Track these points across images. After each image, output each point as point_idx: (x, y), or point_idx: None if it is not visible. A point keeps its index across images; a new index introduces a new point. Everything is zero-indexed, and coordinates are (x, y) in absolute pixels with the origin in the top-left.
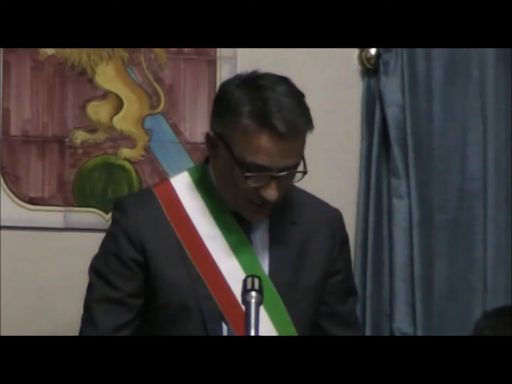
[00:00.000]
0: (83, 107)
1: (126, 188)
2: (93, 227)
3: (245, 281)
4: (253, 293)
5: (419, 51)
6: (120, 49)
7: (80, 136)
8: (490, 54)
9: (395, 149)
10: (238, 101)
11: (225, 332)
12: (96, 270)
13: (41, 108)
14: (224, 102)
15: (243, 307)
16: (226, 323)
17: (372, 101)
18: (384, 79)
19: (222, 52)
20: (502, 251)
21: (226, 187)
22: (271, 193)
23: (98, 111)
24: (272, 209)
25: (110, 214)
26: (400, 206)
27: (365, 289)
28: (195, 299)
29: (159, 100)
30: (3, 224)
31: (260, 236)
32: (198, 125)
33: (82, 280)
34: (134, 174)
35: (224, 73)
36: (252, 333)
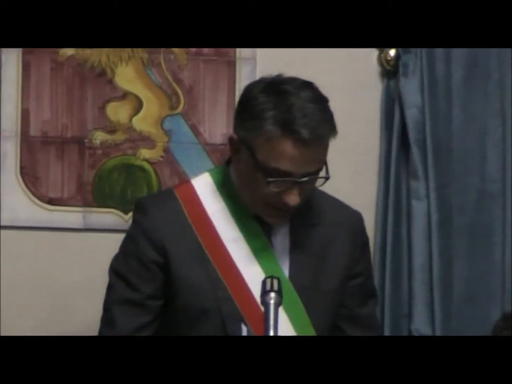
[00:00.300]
0: (102, 108)
1: (145, 188)
2: (112, 228)
3: (264, 282)
4: (272, 294)
5: (439, 53)
6: (140, 50)
7: (99, 136)
8: (509, 56)
9: (414, 151)
10: (262, 106)
11: (244, 334)
12: (116, 271)
13: (60, 109)
14: (248, 106)
15: (263, 309)
16: (246, 325)
17: (392, 103)
18: (403, 80)
19: (242, 53)
20: None
21: (248, 190)
22: (293, 199)
23: (118, 111)
24: (291, 214)
25: (129, 215)
26: (419, 208)
27: (384, 291)
28: (215, 301)
29: (178, 101)
30: (22, 224)
31: (281, 239)
32: (217, 126)
33: (101, 281)
34: (153, 174)
35: (243, 74)
36: (271, 334)
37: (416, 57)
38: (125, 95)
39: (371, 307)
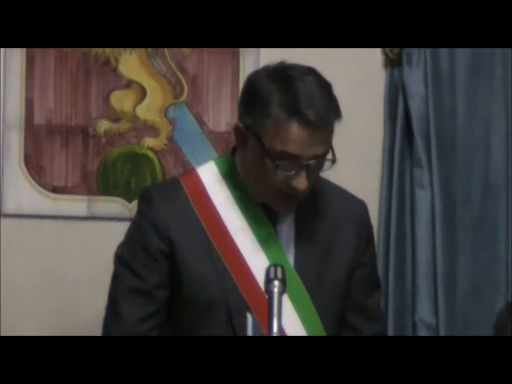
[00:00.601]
0: (106, 97)
1: (149, 177)
2: (116, 216)
3: (268, 271)
4: (276, 282)
5: (442, 49)
6: None
7: (103, 125)
8: None
9: (418, 141)
10: (267, 92)
11: (249, 322)
12: (122, 260)
13: (64, 98)
14: (253, 94)
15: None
16: (251, 315)
17: (395, 93)
18: (407, 70)
19: None
20: None
21: (255, 179)
22: (302, 182)
23: (122, 100)
24: (300, 201)
25: (133, 203)
26: (423, 197)
27: (387, 283)
28: (221, 292)
29: (182, 90)
30: (27, 213)
31: (287, 228)
32: (221, 115)
33: (105, 269)
34: (157, 163)
35: (247, 64)
36: (275, 322)
37: (419, 50)
38: (129, 84)
39: (376, 298)
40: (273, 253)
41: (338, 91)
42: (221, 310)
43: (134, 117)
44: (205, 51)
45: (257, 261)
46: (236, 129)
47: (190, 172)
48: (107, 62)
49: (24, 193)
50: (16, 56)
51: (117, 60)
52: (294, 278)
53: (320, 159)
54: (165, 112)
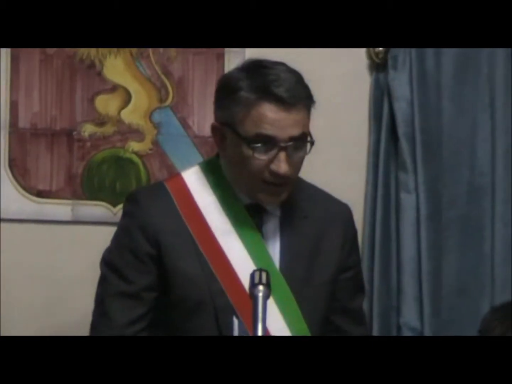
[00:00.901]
0: (91, 100)
1: (134, 181)
2: (101, 220)
3: (252, 275)
4: (260, 287)
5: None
6: None
7: (88, 129)
8: (499, 50)
9: (403, 144)
10: (237, 80)
11: (236, 327)
12: (109, 263)
13: (49, 101)
14: (224, 86)
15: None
16: (238, 318)
17: (381, 96)
18: (392, 73)
19: None
20: (510, 246)
21: (238, 173)
22: (282, 166)
23: (107, 104)
24: (287, 191)
25: (118, 207)
26: (408, 201)
27: (372, 284)
28: (208, 294)
29: (167, 94)
30: (11, 216)
31: (272, 230)
32: (206, 118)
33: (90, 273)
34: (142, 167)
35: (232, 67)
36: (259, 327)
37: (405, 50)
38: (114, 88)
39: (360, 301)
40: (259, 256)
41: (324, 94)
42: (208, 312)
43: (119, 121)
44: (190, 54)
45: (243, 264)
46: (213, 128)
47: (175, 176)
48: (92, 65)
49: (9, 197)
50: (1, 59)
51: (102, 64)
52: (280, 281)
53: (297, 142)
54: (150, 116)
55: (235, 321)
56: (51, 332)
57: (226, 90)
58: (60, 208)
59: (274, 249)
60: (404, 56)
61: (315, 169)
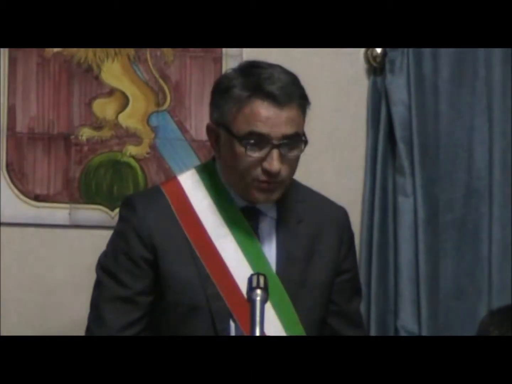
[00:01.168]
0: (89, 104)
1: (131, 185)
2: (98, 224)
3: (250, 279)
4: (258, 291)
5: (426, 50)
6: None
7: (86, 133)
8: (497, 53)
9: (401, 148)
10: (230, 79)
11: (233, 331)
12: (105, 268)
13: (47, 105)
14: (218, 87)
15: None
16: (234, 321)
17: (378, 100)
18: (390, 77)
19: (228, 50)
20: (507, 249)
21: (232, 172)
22: (274, 164)
23: (104, 108)
24: (280, 190)
25: (115, 211)
26: (405, 204)
27: (370, 287)
28: (204, 298)
29: (165, 98)
30: (8, 220)
31: (268, 233)
32: (203, 122)
33: (87, 277)
34: (139, 171)
35: None
36: (257, 331)
37: (402, 54)
38: (111, 92)
39: (357, 304)
40: (255, 259)
41: (321, 98)
42: (204, 316)
43: (117, 125)
44: (188, 58)
45: (239, 267)
46: (208, 128)
47: (171, 180)
48: (89, 69)
49: (6, 201)
50: None
51: (99, 68)
52: (276, 284)
53: (290, 141)
54: (147, 120)
55: (232, 325)
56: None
57: (220, 89)
58: (57, 212)
59: (270, 252)
60: (402, 60)
61: (313, 173)
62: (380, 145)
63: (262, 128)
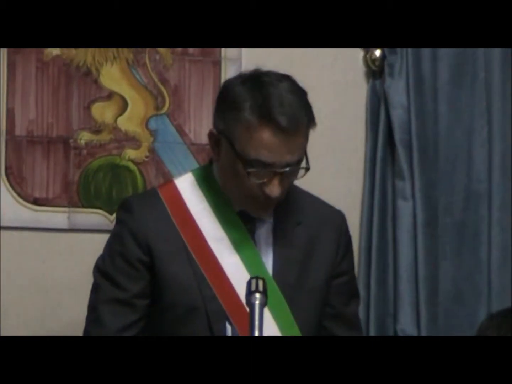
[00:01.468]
0: (88, 108)
1: (130, 189)
2: (97, 228)
3: (249, 283)
4: (257, 295)
5: (425, 53)
6: (125, 50)
7: (84, 136)
8: (496, 55)
9: (400, 151)
10: (240, 97)
11: (229, 333)
12: (102, 270)
13: (46, 109)
14: (226, 99)
15: (247, 308)
16: (231, 324)
17: (377, 103)
18: (389, 80)
19: (227, 54)
20: (507, 252)
21: (230, 184)
22: (274, 190)
23: (103, 111)
24: (276, 204)
25: (114, 215)
26: (404, 208)
27: (369, 291)
28: (201, 300)
29: (164, 101)
30: (7, 224)
31: (265, 236)
32: (203, 126)
33: (86, 281)
34: (138, 175)
35: (229, 75)
36: (256, 335)
37: (402, 58)
38: (110, 95)
39: (355, 307)
40: (251, 262)
41: (320, 102)
42: (201, 317)
43: (116, 129)
44: (187, 62)
45: (235, 270)
46: (210, 134)
47: (167, 183)
48: (88, 73)
49: (5, 204)
50: None
51: (98, 71)
52: (273, 288)
53: (292, 168)
54: (146, 123)
55: (228, 328)
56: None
57: (228, 104)
58: (56, 216)
59: (267, 255)
60: (401, 63)
61: (311, 176)
62: (379, 148)
63: (267, 158)
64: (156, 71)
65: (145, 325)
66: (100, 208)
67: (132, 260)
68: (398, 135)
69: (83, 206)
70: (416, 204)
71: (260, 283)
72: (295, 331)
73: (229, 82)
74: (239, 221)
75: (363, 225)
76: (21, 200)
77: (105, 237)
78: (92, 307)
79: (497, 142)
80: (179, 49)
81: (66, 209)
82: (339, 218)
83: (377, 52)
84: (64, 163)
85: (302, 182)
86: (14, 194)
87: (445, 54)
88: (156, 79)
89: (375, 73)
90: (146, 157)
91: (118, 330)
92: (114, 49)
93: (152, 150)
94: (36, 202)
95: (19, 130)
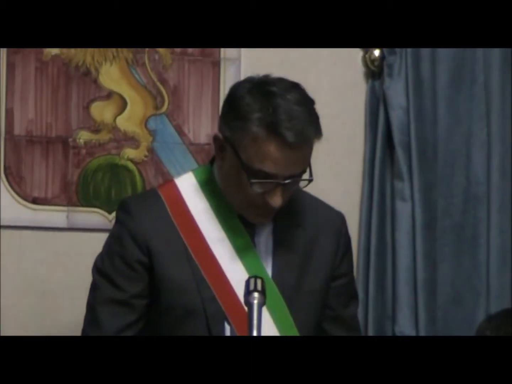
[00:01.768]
0: (87, 108)
1: (129, 188)
2: (96, 228)
3: (247, 282)
4: (256, 294)
5: (424, 54)
6: (124, 50)
7: (83, 136)
8: (495, 58)
9: (399, 152)
10: (248, 107)
11: (227, 333)
12: (101, 270)
13: (45, 108)
14: (234, 107)
15: (246, 309)
16: (229, 324)
17: (376, 104)
18: (388, 81)
19: (226, 54)
20: (506, 255)
21: (231, 190)
22: (276, 200)
23: (102, 111)
24: (276, 213)
25: (113, 215)
26: (403, 209)
27: (367, 292)
28: (200, 301)
29: (163, 101)
30: (6, 223)
31: (264, 238)
32: (201, 126)
33: (85, 280)
34: (137, 174)
35: (228, 75)
36: (255, 334)
37: (401, 58)
38: (109, 95)
39: (354, 308)
40: (250, 263)
41: (319, 102)
42: (199, 319)
43: (115, 128)
44: (186, 62)
45: (234, 271)
46: (216, 139)
47: (168, 182)
48: (87, 72)
49: (4, 204)
50: None
51: (97, 71)
52: (272, 288)
53: (295, 179)
54: (145, 123)
55: (227, 327)
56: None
57: (236, 113)
58: (55, 215)
59: (267, 257)
60: (400, 64)
61: None
62: (378, 150)
63: (272, 169)
64: (155, 71)
65: (143, 326)
66: (99, 208)
67: (131, 262)
68: (397, 137)
69: (82, 206)
70: (415, 206)
71: (259, 282)
72: (294, 333)
73: (236, 88)
74: (240, 223)
75: (361, 226)
76: (20, 200)
77: (104, 236)
78: (91, 307)
79: (496, 145)
80: (179, 49)
81: (65, 208)
82: (339, 219)
83: (376, 52)
84: (63, 162)
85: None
86: (13, 194)
87: (444, 56)
88: (155, 79)
89: (374, 73)
90: (145, 156)
91: (116, 331)
92: (114, 49)
93: (151, 150)
94: (35, 201)
95: (18, 130)
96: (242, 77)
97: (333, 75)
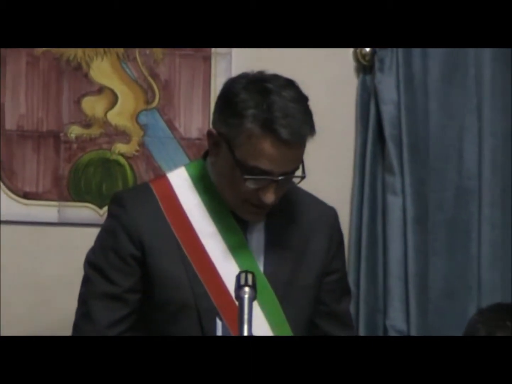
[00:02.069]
0: (78, 102)
1: (120, 183)
2: (87, 222)
3: (238, 277)
4: (246, 289)
5: (415, 49)
6: None
7: (75, 131)
8: (486, 52)
9: (390, 146)
10: (243, 104)
11: (219, 328)
12: (94, 264)
13: (36, 103)
14: (229, 103)
15: (237, 303)
16: (221, 320)
17: (367, 98)
18: (379, 76)
19: (218, 49)
20: (497, 249)
21: (225, 185)
22: (269, 197)
23: (93, 106)
24: (268, 210)
25: (104, 209)
26: (394, 203)
27: (359, 287)
28: (192, 296)
29: (154, 96)
30: None
31: (257, 235)
32: (193, 121)
33: (77, 275)
34: (128, 169)
35: (219, 70)
36: (245, 329)
37: (392, 53)
38: (100, 90)
39: (346, 304)
40: (243, 259)
41: (311, 96)
42: (192, 314)
43: (106, 123)
44: (177, 57)
45: (227, 267)
46: (210, 134)
47: (160, 177)
48: (78, 67)
49: None
50: None
51: (88, 66)
52: (264, 284)
53: (289, 175)
54: (136, 118)
55: (219, 323)
56: (37, 334)
57: (231, 110)
58: (46, 210)
59: (259, 253)
60: (391, 59)
61: None
62: (369, 144)
63: (266, 166)
64: (146, 66)
65: (136, 319)
66: (90, 202)
67: (125, 256)
68: (388, 131)
69: (73, 200)
70: (406, 200)
71: (249, 276)
72: (286, 329)
73: (231, 84)
74: (232, 219)
75: (353, 220)
76: (11, 194)
77: (95, 231)
78: (83, 301)
79: (488, 139)
80: None
81: (56, 203)
82: (331, 215)
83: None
84: (55, 157)
85: None
86: (4, 189)
87: (436, 50)
88: (146, 74)
89: (366, 68)
90: (136, 151)
91: (108, 325)
92: None
93: (142, 145)
94: (26, 196)
95: (10, 125)
96: (233, 72)
97: (324, 70)
